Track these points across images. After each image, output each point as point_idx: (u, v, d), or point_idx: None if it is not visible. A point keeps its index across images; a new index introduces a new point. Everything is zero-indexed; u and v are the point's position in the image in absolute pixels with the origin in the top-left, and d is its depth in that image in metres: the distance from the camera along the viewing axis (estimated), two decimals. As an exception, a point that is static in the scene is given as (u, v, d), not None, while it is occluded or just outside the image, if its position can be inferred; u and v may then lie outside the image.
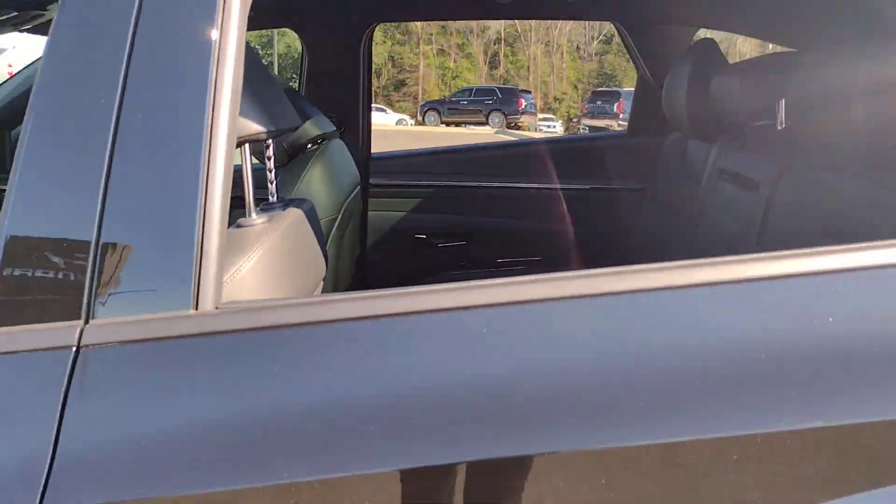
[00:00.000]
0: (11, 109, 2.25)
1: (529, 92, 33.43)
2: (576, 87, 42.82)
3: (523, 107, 28.99)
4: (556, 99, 42.16)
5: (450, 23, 37.28)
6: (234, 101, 0.77)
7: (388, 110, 34.90)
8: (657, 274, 0.71)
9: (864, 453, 0.68)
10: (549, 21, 32.25)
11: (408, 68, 41.86)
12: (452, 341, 0.72)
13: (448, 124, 29.36)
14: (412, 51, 41.23)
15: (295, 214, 1.16)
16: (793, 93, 1.30)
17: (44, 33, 1.92)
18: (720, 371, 0.68)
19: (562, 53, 44.20)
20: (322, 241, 1.24)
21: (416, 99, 39.59)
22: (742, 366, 0.68)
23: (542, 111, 36.36)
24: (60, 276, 0.75)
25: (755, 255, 0.72)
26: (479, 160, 2.57)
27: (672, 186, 2.05)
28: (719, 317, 0.70)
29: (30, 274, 0.75)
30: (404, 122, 31.29)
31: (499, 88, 32.57)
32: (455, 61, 44.11)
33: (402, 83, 41.68)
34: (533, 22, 35.47)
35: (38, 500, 0.68)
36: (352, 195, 1.93)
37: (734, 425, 0.67)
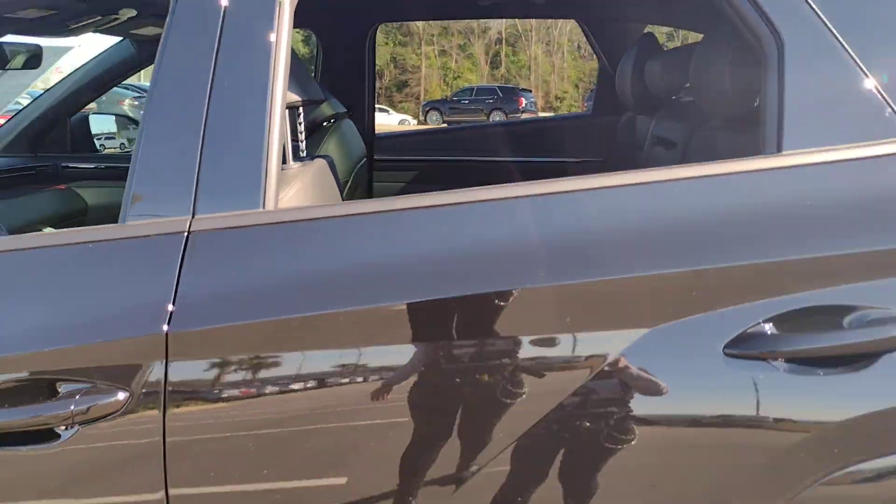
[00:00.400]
0: (72, 101, 2.69)
1: (530, 91, 33.84)
2: (576, 85, 43.20)
3: (524, 105, 29.39)
4: (557, 98, 42.56)
5: (451, 24, 37.69)
6: (283, 80, 1.20)
7: (391, 111, 35.22)
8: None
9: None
10: (550, 21, 32.65)
11: (410, 69, 42.30)
12: (426, 227, 1.15)
13: (450, 123, 29.74)
14: (414, 52, 41.72)
15: (319, 164, 1.59)
16: (693, 74, 1.72)
17: (116, 34, 2.36)
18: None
19: (563, 53, 44.55)
20: (339, 185, 1.67)
21: (419, 99, 40.01)
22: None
23: (543, 109, 36.77)
24: (177, 189, 1.17)
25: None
26: (468, 139, 3.00)
27: (624, 155, 2.47)
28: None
29: (157, 187, 1.18)
30: (406, 122, 31.65)
31: (499, 88, 32.97)
32: (456, 62, 44.52)
33: (405, 84, 42.15)
34: (534, 22, 35.82)
35: (165, 323, 1.10)
36: (359, 165, 2.36)
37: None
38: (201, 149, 1.18)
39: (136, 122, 3.28)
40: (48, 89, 2.72)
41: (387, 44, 40.44)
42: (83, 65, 2.66)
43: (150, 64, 2.65)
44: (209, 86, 1.20)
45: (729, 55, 1.50)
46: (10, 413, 1.12)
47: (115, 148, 3.17)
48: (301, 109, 1.54)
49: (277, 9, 1.21)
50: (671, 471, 1.11)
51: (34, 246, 1.23)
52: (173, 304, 1.12)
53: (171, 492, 1.12)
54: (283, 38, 1.21)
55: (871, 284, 1.10)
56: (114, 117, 3.30)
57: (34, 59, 2.19)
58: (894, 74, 1.14)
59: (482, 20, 29.15)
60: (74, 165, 2.69)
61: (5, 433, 1.12)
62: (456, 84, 40.97)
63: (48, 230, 2.20)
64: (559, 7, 2.76)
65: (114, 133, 3.15)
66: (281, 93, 1.20)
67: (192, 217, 1.16)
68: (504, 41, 44.49)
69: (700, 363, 1.11)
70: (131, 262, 1.17)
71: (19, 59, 2.23)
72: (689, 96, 2.02)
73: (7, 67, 2.27)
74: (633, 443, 1.10)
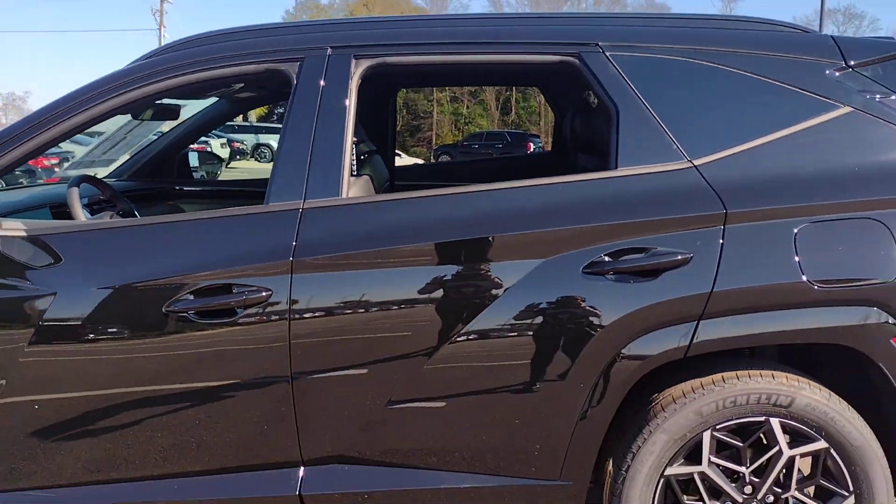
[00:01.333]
0: (180, 142, 3.79)
1: (538, 136, 35.08)
2: (581, 131, 44.38)
3: (531, 150, 30.63)
4: (564, 142, 43.70)
5: (462, 72, 39.16)
6: (352, 127, 2.29)
7: (403, 155, 36.45)
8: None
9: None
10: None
11: (422, 114, 43.72)
12: (407, 209, 2.22)
13: (460, 167, 30.92)
14: (426, 98, 43.21)
15: (365, 177, 2.67)
16: (589, 126, 2.82)
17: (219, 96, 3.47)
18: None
19: (569, 101, 45.85)
20: (375, 190, 2.76)
21: (431, 144, 41.32)
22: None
23: (551, 154, 37.92)
24: (295, 187, 2.25)
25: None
26: (463, 171, 4.09)
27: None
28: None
29: (286, 186, 2.26)
30: (418, 166, 32.85)
31: (508, 133, 34.27)
32: (468, 107, 45.93)
33: (417, 129, 43.54)
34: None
35: (291, 256, 2.17)
36: (385, 184, 3.43)
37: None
38: (309, 166, 2.26)
39: (219, 158, 4.36)
40: (164, 133, 3.83)
41: (401, 91, 41.89)
42: (190, 117, 3.76)
43: (236, 116, 3.76)
44: (314, 129, 2.28)
45: (600, 116, 2.57)
46: (212, 300, 2.17)
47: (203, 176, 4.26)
48: (355, 146, 2.61)
49: (349, 86, 2.30)
50: (557, 334, 2.16)
51: (217, 216, 2.30)
52: (295, 242, 2.18)
53: (294, 352, 2.16)
54: (353, 102, 2.30)
55: (650, 238, 2.15)
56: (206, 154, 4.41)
57: (173, 113, 3.28)
58: (660, 127, 2.21)
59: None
60: (179, 188, 3.78)
61: (209, 311, 2.16)
62: (467, 129, 42.35)
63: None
64: (523, 79, 3.89)
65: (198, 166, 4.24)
66: (350, 134, 2.29)
67: (304, 201, 2.23)
68: (514, 89, 46.07)
69: (570, 278, 2.16)
70: (273, 223, 2.23)
71: (155, 113, 3.30)
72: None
73: (147, 118, 3.36)
74: (549, 313, 2.15)
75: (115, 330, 2.18)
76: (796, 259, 2.14)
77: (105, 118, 2.36)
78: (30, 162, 13.36)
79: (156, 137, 3.85)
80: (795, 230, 2.16)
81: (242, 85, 3.16)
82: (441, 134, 43.22)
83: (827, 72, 2.32)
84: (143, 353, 2.18)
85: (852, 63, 2.33)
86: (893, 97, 2.30)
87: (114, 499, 2.26)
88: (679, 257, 2.14)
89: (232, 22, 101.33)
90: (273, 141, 16.90)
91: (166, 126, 3.83)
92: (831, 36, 2.45)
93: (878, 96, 2.29)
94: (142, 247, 2.27)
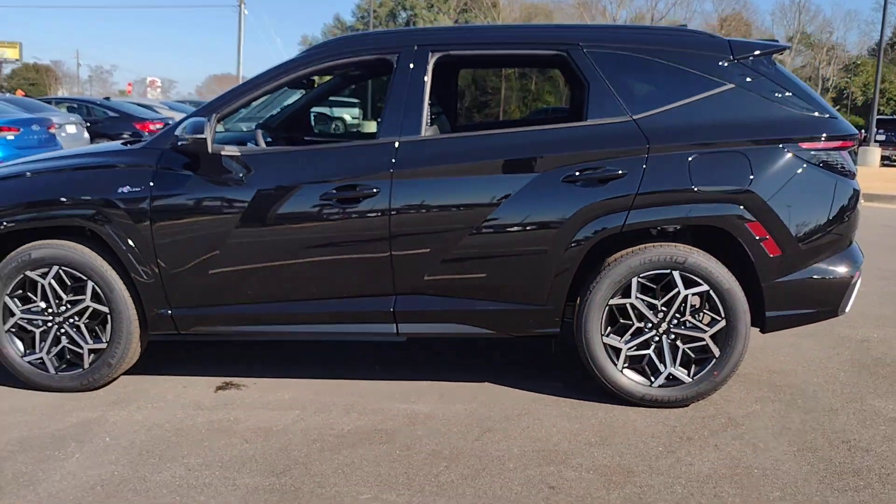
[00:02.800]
0: (307, 104, 5.39)
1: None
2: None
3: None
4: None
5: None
6: (427, 94, 3.84)
7: (472, 130, 38.04)
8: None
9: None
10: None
11: (490, 91, 44.91)
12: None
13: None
14: (495, 74, 44.35)
15: (435, 126, 4.22)
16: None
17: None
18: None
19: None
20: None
21: (498, 119, 42.43)
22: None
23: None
24: (394, 129, 3.83)
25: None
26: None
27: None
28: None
29: (390, 130, 3.84)
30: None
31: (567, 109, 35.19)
32: (536, 84, 46.89)
33: (485, 104, 44.75)
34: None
35: (391, 168, 3.75)
36: (446, 131, 4.98)
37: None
38: (402, 116, 3.82)
39: (331, 118, 5.95)
40: (296, 100, 5.45)
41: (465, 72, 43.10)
42: (314, 88, 5.35)
43: (342, 91, 5.39)
44: (405, 93, 3.84)
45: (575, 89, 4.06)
46: (346, 193, 3.76)
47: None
48: (429, 105, 4.15)
49: (427, 68, 3.85)
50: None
51: (351, 145, 3.89)
52: (394, 160, 3.76)
53: (391, 225, 3.74)
54: (429, 78, 3.86)
55: (604, 161, 3.66)
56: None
57: (311, 84, 4.89)
58: (614, 95, 3.71)
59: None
60: (307, 138, 5.38)
61: (345, 199, 3.76)
62: (534, 106, 43.42)
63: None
64: (538, 65, 5.38)
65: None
66: (427, 97, 3.85)
67: (399, 137, 3.80)
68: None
69: (555, 184, 3.70)
70: (381, 149, 3.80)
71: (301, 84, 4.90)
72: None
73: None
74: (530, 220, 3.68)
75: (289, 211, 3.79)
76: (688, 174, 3.62)
77: (284, 86, 3.99)
78: (139, 126, 15.54)
79: (290, 101, 5.46)
80: (689, 158, 3.64)
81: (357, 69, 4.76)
82: (508, 110, 44.30)
83: (720, 62, 3.78)
84: (305, 223, 3.79)
85: (736, 57, 3.78)
86: (760, 78, 3.74)
87: (283, 310, 3.88)
88: (619, 172, 3.65)
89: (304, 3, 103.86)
90: (346, 115, 18.77)
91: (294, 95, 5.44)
92: (727, 39, 3.90)
93: (748, 78, 3.74)
94: (305, 161, 3.88)
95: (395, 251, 3.77)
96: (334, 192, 3.76)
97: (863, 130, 33.44)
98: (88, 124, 15.38)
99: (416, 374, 4.30)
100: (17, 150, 11.49)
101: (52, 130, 12.55)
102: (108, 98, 21.78)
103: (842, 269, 3.77)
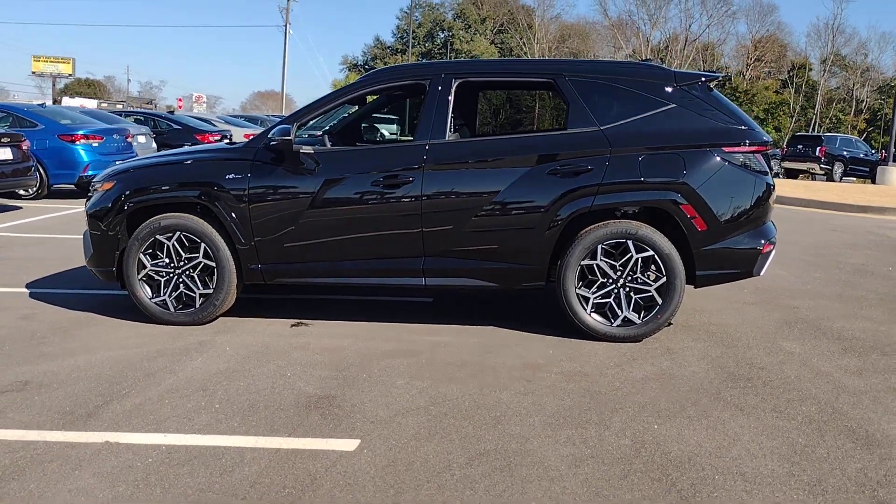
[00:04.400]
0: (360, 118, 6.83)
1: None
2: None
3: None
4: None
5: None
6: (451, 108, 5.25)
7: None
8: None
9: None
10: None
11: (524, 109, 46.31)
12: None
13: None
14: (530, 94, 45.79)
15: (457, 133, 5.61)
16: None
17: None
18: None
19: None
20: (462, 142, 5.73)
21: (531, 136, 43.79)
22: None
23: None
24: (427, 135, 5.25)
25: None
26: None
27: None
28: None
29: (424, 135, 5.27)
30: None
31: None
32: (537, 104, 48.17)
33: (519, 123, 46.17)
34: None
35: (424, 158, 5.17)
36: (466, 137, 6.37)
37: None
38: (432, 124, 5.24)
39: (376, 130, 7.44)
40: (350, 113, 6.89)
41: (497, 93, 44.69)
42: (364, 105, 6.79)
43: (387, 107, 6.88)
44: (434, 109, 5.26)
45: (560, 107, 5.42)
46: (389, 180, 5.19)
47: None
48: (452, 119, 5.54)
49: (451, 90, 5.27)
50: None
51: (393, 146, 5.31)
52: (425, 157, 5.18)
53: (423, 206, 5.15)
54: (453, 98, 5.29)
55: (578, 159, 5.05)
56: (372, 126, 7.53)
57: (363, 101, 6.34)
58: (588, 112, 5.10)
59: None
60: (359, 144, 6.81)
61: (388, 184, 5.17)
62: (533, 119, 44.77)
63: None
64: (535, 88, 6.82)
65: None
66: (450, 112, 5.27)
67: (429, 140, 5.23)
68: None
69: (542, 176, 5.11)
70: (416, 148, 5.22)
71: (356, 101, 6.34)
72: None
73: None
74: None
75: (347, 195, 5.21)
76: (639, 170, 4.97)
77: (347, 103, 5.46)
78: (199, 138, 17.26)
79: (345, 115, 6.91)
80: (640, 158, 5.00)
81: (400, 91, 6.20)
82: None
83: (666, 88, 5.15)
84: (359, 205, 5.20)
85: (679, 84, 5.14)
86: (695, 100, 5.09)
87: (342, 266, 5.30)
88: (589, 167, 5.02)
89: (348, 18, 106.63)
90: (384, 129, 20.49)
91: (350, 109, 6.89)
92: (673, 70, 5.27)
93: (686, 100, 5.09)
94: (359, 158, 5.31)
95: (424, 226, 5.16)
96: (381, 179, 5.17)
97: (883, 150, 34.23)
98: (154, 135, 17.09)
99: (438, 319, 5.70)
100: (100, 156, 13.19)
101: (129, 139, 14.22)
102: (171, 111, 23.60)
103: (755, 241, 5.09)
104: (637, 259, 5.08)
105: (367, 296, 6.41)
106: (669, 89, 5.16)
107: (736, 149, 5.06)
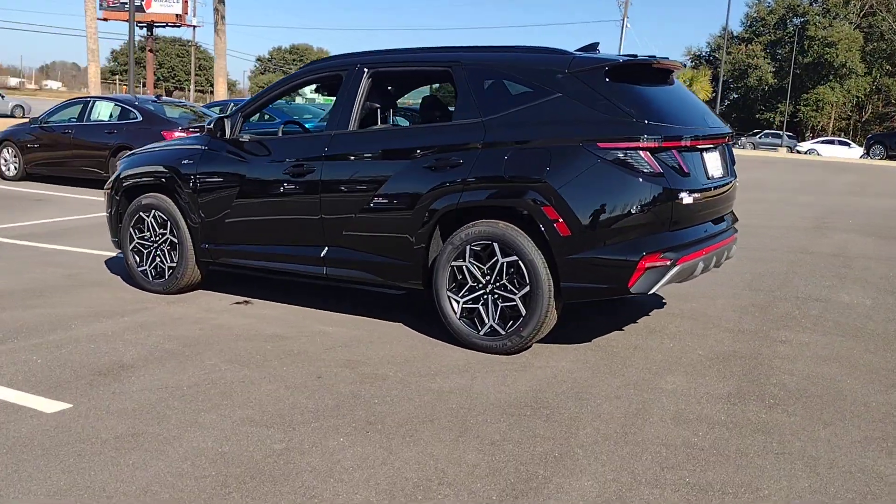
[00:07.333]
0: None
1: None
2: None
3: None
4: None
5: None
6: (364, 97, 5.25)
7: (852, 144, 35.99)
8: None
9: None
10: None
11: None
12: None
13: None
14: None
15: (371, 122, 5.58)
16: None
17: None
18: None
19: None
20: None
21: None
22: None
23: None
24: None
25: None
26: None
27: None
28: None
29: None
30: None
31: None
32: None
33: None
34: None
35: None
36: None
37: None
38: (338, 117, 5.27)
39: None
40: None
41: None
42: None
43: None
44: (351, 97, 5.28)
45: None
46: (296, 169, 5.35)
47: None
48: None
49: (361, 80, 5.26)
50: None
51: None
52: (327, 148, 5.25)
53: (322, 198, 5.23)
54: (364, 87, 5.24)
55: (453, 153, 4.76)
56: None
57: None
58: (475, 103, 4.76)
59: None
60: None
61: (299, 172, 5.34)
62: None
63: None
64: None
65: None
66: (359, 102, 5.24)
67: (333, 132, 5.27)
68: None
69: (419, 169, 4.91)
70: (323, 139, 5.31)
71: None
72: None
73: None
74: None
75: (267, 182, 5.49)
76: (503, 166, 4.52)
77: (284, 95, 5.73)
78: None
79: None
80: (507, 153, 4.55)
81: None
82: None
83: (557, 76, 4.58)
84: (275, 193, 5.44)
85: (571, 71, 4.54)
86: (586, 88, 4.46)
87: (260, 249, 5.58)
88: (460, 161, 4.69)
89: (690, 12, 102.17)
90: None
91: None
92: (571, 55, 4.65)
93: (575, 88, 4.49)
94: (277, 146, 5.55)
95: (324, 213, 5.23)
96: (291, 168, 5.35)
97: None
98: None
99: (364, 311, 5.72)
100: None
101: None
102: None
103: (631, 253, 4.31)
104: (503, 263, 4.62)
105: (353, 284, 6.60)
106: (560, 76, 4.58)
107: (614, 145, 4.33)
